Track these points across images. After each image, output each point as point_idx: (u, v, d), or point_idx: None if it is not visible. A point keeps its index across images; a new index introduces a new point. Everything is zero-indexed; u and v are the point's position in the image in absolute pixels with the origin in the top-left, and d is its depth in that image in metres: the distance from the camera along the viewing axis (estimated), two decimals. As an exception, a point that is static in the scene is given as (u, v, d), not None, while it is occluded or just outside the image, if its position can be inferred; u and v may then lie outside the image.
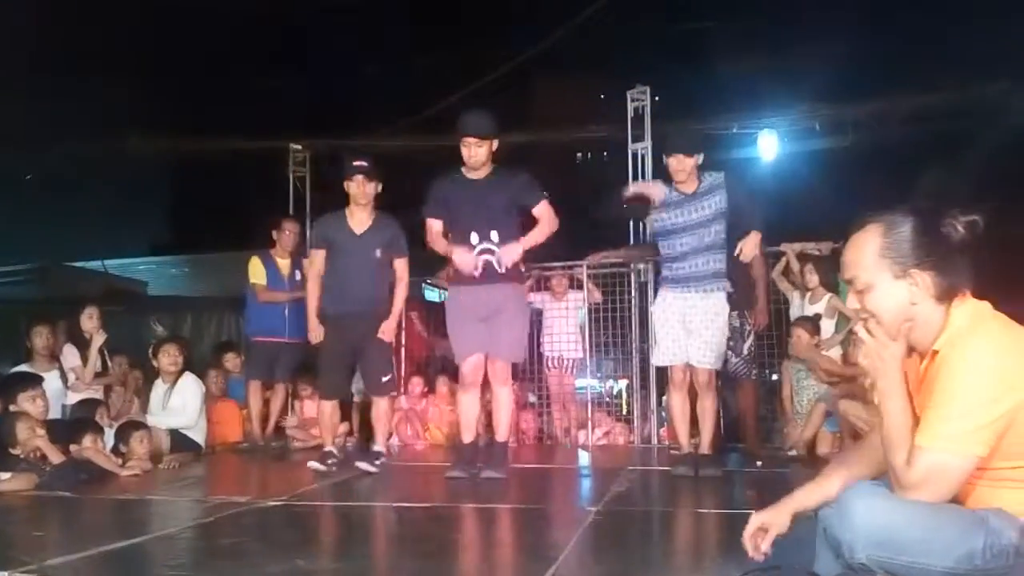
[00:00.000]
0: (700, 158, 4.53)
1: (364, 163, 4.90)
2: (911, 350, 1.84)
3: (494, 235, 4.35)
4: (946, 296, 1.78)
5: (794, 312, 5.99)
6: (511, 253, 4.33)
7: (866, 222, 1.85)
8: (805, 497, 1.98)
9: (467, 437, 4.60)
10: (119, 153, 11.58)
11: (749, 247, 4.64)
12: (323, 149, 9.22)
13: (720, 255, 4.53)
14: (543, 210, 4.43)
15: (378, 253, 4.87)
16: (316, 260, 5.03)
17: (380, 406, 5.04)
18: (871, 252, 1.82)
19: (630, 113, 7.46)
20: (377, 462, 4.87)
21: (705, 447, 4.56)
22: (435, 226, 4.54)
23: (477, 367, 4.47)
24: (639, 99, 7.41)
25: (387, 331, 4.94)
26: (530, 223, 4.49)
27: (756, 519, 1.99)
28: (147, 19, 11.07)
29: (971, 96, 8.69)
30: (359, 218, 4.91)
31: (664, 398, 6.19)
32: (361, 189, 4.83)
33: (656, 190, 4.63)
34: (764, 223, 5.16)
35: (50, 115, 10.78)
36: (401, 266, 5.00)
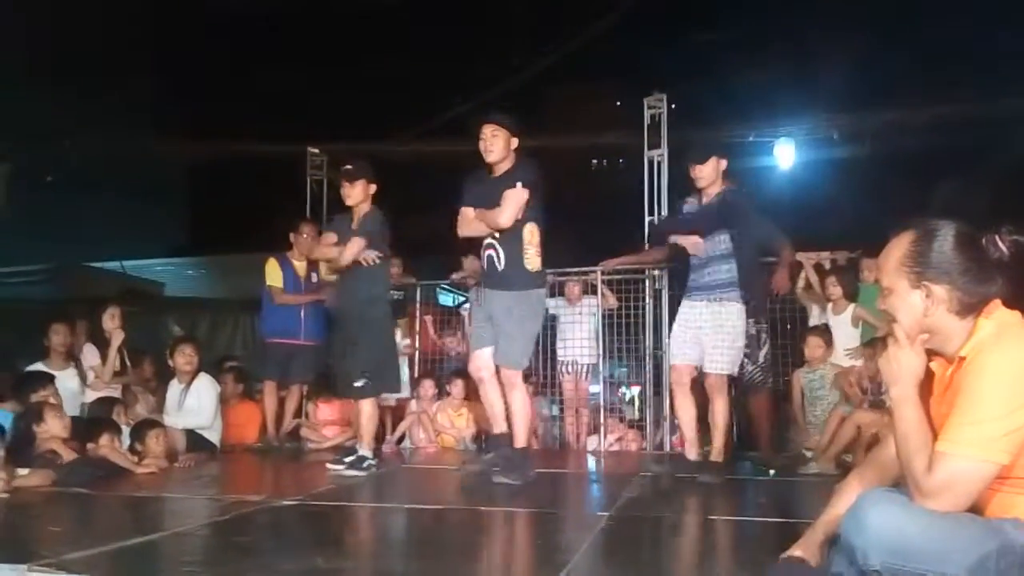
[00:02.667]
0: (722, 164, 4.57)
1: (347, 167, 5.02)
2: (935, 355, 1.85)
3: (492, 239, 4.40)
4: (965, 311, 1.79)
5: (813, 323, 5.97)
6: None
7: (905, 228, 1.87)
8: (828, 521, 1.99)
9: (497, 428, 4.53)
10: (138, 155, 11.70)
11: (783, 282, 5.27)
12: (341, 153, 9.25)
13: (728, 264, 4.52)
14: (506, 196, 4.29)
15: None
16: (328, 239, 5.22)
17: (359, 410, 4.95)
18: (895, 258, 1.85)
19: (647, 120, 7.46)
20: (364, 465, 4.80)
21: (716, 454, 4.52)
22: (468, 213, 4.50)
23: (481, 361, 4.48)
24: (656, 106, 7.41)
25: (343, 253, 4.84)
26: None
27: (789, 556, 2.00)
28: (168, 21, 11.18)
29: (991, 106, 8.64)
30: (355, 217, 5.00)
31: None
32: (345, 191, 4.95)
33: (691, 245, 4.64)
34: (780, 235, 5.33)
35: (71, 117, 10.88)
36: (351, 242, 4.84)
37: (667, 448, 6.42)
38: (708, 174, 4.55)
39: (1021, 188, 8.24)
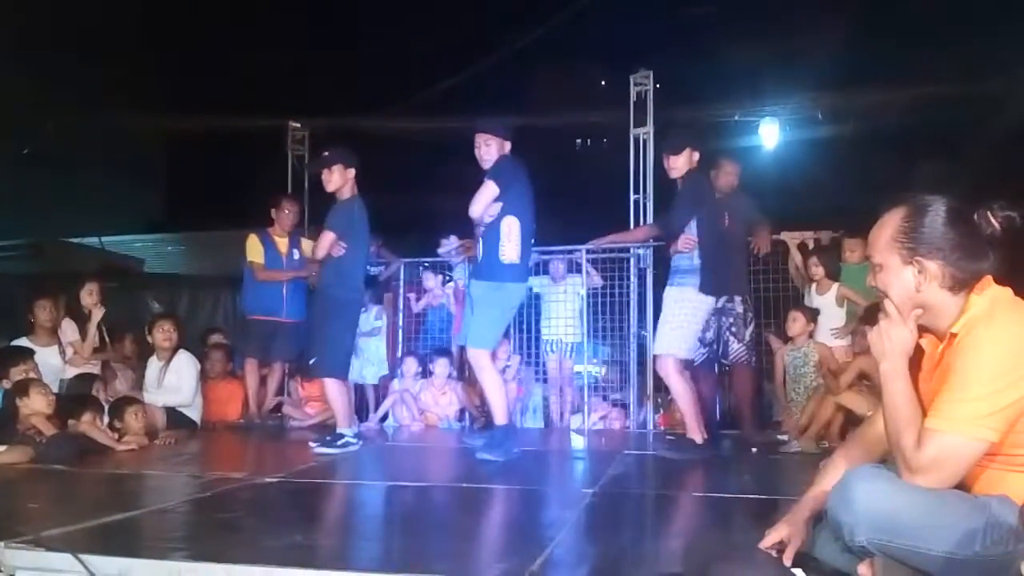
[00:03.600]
0: (695, 156, 4.68)
1: (323, 154, 5.09)
2: (925, 331, 1.85)
3: (479, 230, 4.56)
4: (957, 287, 1.78)
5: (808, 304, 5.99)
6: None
7: (896, 204, 1.86)
8: (814, 498, 1.99)
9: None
10: (117, 129, 11.53)
11: (763, 243, 5.73)
12: (322, 127, 9.16)
13: (685, 258, 4.66)
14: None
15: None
16: None
17: (324, 388, 5.08)
18: (886, 234, 1.84)
19: (632, 98, 7.41)
20: (338, 443, 4.80)
21: (689, 431, 4.61)
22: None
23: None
24: (642, 83, 7.36)
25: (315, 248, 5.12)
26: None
27: (774, 535, 2.00)
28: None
29: (974, 85, 8.66)
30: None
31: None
32: (324, 179, 5.02)
33: None
34: (758, 214, 5.70)
35: (48, 91, 10.70)
36: (326, 234, 4.91)
37: (650, 427, 6.45)
38: (681, 165, 4.67)
39: (1004, 165, 8.29)
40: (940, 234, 1.79)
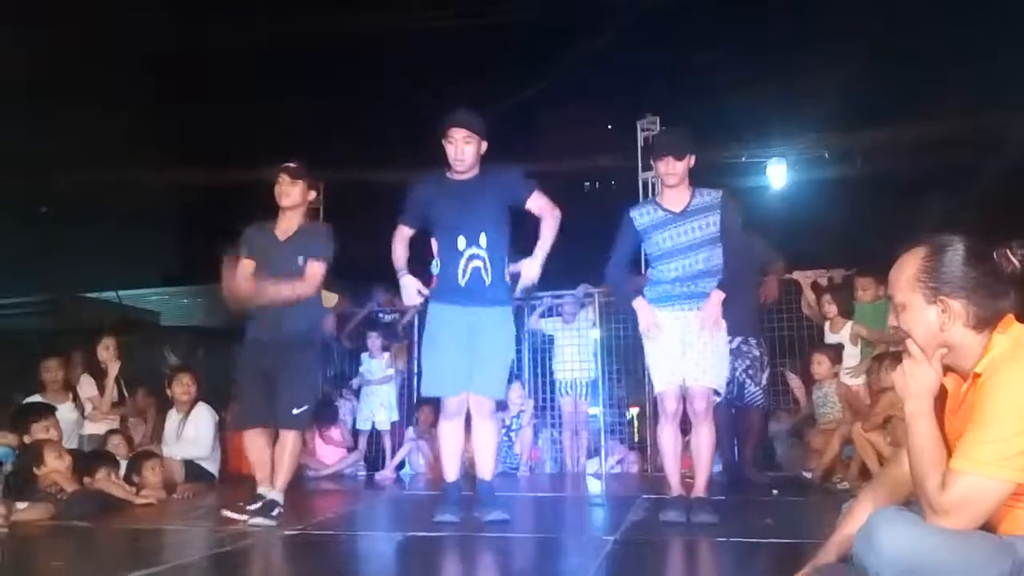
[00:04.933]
0: (692, 160, 3.89)
1: (290, 164, 4.32)
2: (948, 371, 1.86)
3: (483, 239, 3.88)
4: (981, 325, 1.80)
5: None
6: (531, 271, 3.87)
7: (916, 243, 1.88)
8: (840, 541, 2.00)
9: (452, 475, 4.02)
10: (132, 184, 11.70)
11: (772, 291, 5.58)
12: (333, 178, 9.27)
13: (714, 280, 3.83)
14: (539, 202, 3.94)
15: (300, 261, 4.18)
16: (245, 270, 4.33)
17: (285, 441, 4.14)
18: (908, 274, 1.86)
19: (640, 142, 7.52)
20: (275, 513, 3.98)
21: (700, 488, 3.89)
22: (402, 232, 4.07)
23: (460, 401, 3.95)
24: (649, 128, 7.47)
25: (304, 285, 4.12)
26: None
27: (810, 572, 2.00)
28: (162, 51, 11.24)
29: (979, 124, 8.73)
30: (285, 224, 4.30)
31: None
32: (281, 189, 4.26)
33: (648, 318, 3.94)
34: (772, 252, 5.34)
35: (63, 146, 10.90)
36: (311, 267, 4.16)
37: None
38: (683, 171, 3.85)
39: (1013, 202, 8.31)
40: (962, 273, 1.81)
